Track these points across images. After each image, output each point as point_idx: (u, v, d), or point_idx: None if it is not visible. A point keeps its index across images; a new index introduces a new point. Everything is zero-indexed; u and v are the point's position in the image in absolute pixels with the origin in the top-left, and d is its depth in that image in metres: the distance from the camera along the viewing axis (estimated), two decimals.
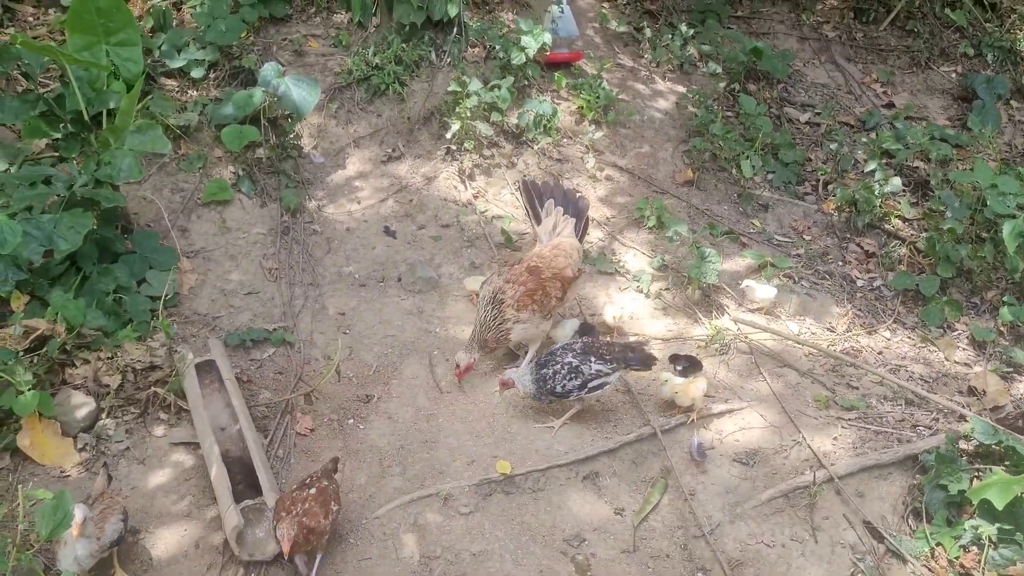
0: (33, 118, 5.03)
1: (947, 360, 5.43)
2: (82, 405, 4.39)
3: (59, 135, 5.17)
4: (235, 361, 4.89)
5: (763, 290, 5.50)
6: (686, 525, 4.23)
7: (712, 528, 4.21)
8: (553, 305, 4.89)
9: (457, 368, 4.81)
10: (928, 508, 4.32)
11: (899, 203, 6.40)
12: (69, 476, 4.17)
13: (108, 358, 4.65)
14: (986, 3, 8.40)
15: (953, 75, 8.02)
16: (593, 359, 4.53)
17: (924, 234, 6.14)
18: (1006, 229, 5.36)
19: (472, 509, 4.15)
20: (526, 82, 6.70)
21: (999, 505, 3.98)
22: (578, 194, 5.47)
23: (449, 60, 6.70)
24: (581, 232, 5.27)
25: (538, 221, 5.27)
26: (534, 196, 5.32)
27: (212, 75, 6.33)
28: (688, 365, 4.83)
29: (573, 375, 4.47)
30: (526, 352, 5.01)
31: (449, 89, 6.33)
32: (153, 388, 4.52)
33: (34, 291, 4.80)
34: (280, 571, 3.83)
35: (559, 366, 4.50)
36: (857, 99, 7.70)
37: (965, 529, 4.13)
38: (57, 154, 5.41)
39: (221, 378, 4.54)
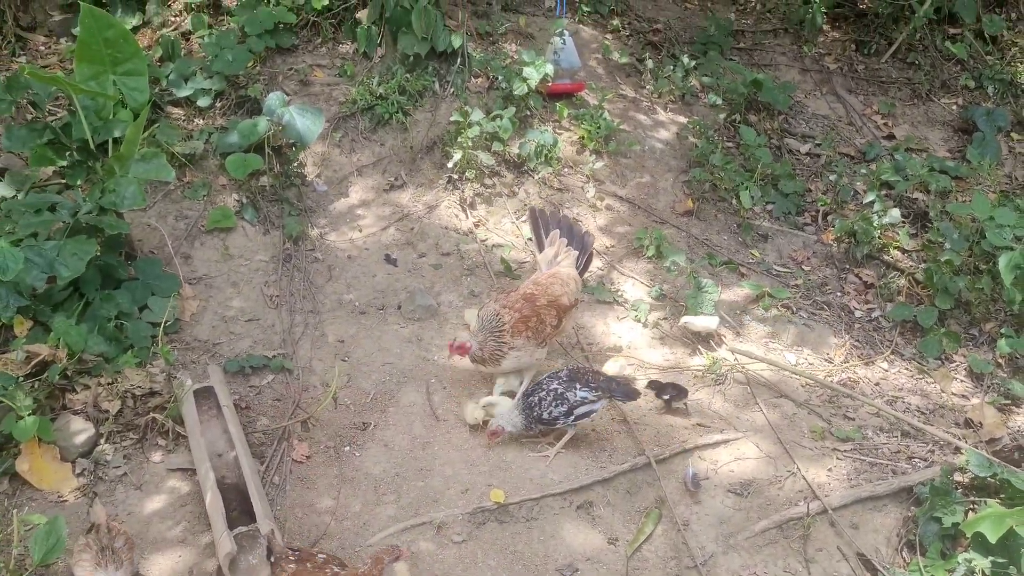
0: (40, 146, 5.11)
1: (944, 392, 5.43)
2: (81, 431, 4.43)
3: (65, 163, 5.25)
4: (234, 387, 4.93)
5: (703, 321, 5.46)
6: (679, 556, 4.23)
7: (705, 559, 4.21)
8: (548, 333, 4.91)
9: (458, 344, 4.79)
10: (922, 540, 4.31)
11: (898, 234, 6.43)
12: (66, 501, 4.20)
13: (108, 384, 4.69)
14: (987, 36, 8.45)
15: (954, 107, 8.06)
16: (578, 386, 4.55)
17: (923, 265, 6.15)
18: (1002, 261, 5.38)
19: (465, 538, 4.17)
20: (528, 112, 6.77)
21: (992, 538, 3.97)
22: (585, 231, 5.48)
23: (452, 90, 6.78)
24: (583, 266, 5.28)
25: (540, 249, 5.31)
26: (540, 225, 5.36)
27: (218, 104, 6.43)
28: (675, 394, 4.84)
29: (559, 402, 4.51)
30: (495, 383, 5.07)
31: (452, 119, 6.40)
32: (152, 414, 4.56)
33: (36, 317, 4.86)
34: None
35: (544, 393, 4.54)
36: (858, 130, 7.74)
37: (959, 562, 4.12)
38: (63, 182, 5.49)
39: (219, 404, 4.57)
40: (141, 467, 4.41)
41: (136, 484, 4.32)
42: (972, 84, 8.17)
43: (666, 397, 4.84)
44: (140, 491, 4.29)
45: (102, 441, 4.48)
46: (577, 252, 5.25)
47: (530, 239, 5.46)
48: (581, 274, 5.24)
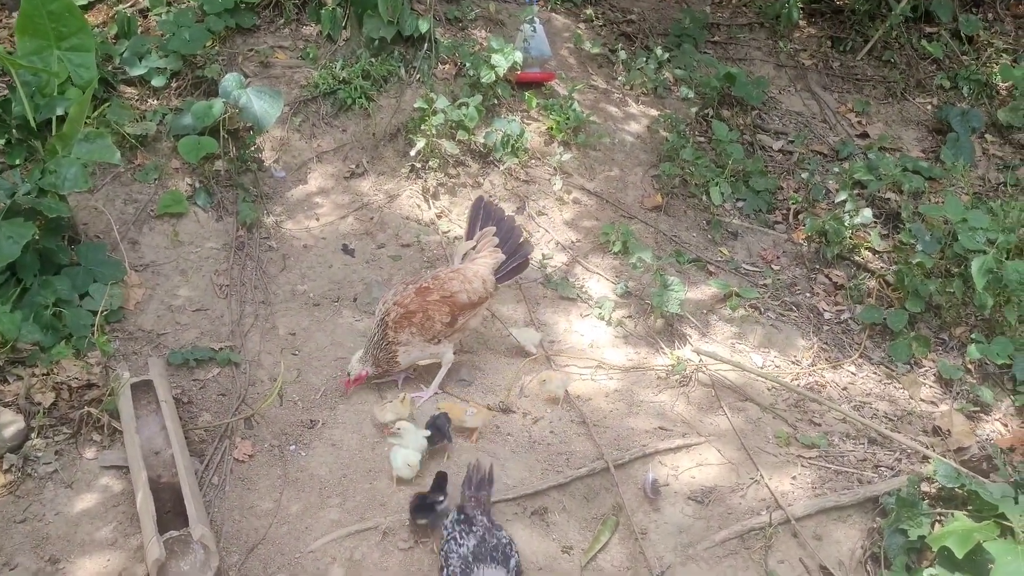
0: None
1: (912, 398, 5.30)
2: (10, 424, 4.19)
3: (3, 141, 5.00)
4: (177, 381, 4.71)
5: (525, 335, 5.14)
6: (636, 566, 4.06)
7: (663, 570, 4.03)
8: (439, 330, 4.71)
9: (347, 378, 4.65)
10: (887, 553, 4.16)
11: (869, 235, 6.29)
12: None
13: (43, 375, 4.47)
14: (963, 36, 8.34)
15: (929, 107, 7.94)
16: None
17: (893, 267, 6.02)
18: (974, 266, 5.24)
19: (412, 544, 3.97)
20: (496, 101, 6.57)
21: (959, 553, 3.83)
22: (523, 239, 5.22)
23: (418, 76, 6.57)
24: (508, 273, 5.05)
25: (469, 238, 5.14)
26: (479, 216, 5.17)
27: (174, 84, 6.20)
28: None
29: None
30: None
31: (416, 106, 6.19)
32: (87, 408, 4.33)
33: None
34: None
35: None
36: (832, 128, 7.61)
37: None
38: (4, 161, 5.24)
39: (159, 399, 4.35)
40: (73, 464, 4.18)
41: (67, 482, 4.09)
42: (947, 84, 8.05)
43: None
44: (71, 489, 4.06)
45: (33, 436, 4.24)
46: (504, 257, 5.02)
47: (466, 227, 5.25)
48: (503, 280, 5.02)
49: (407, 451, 4.21)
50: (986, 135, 7.68)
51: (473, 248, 5.04)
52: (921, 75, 8.22)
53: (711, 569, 4.08)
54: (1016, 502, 3.97)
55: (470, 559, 3.60)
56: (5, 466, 4.11)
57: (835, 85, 8.12)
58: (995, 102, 7.90)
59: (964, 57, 8.29)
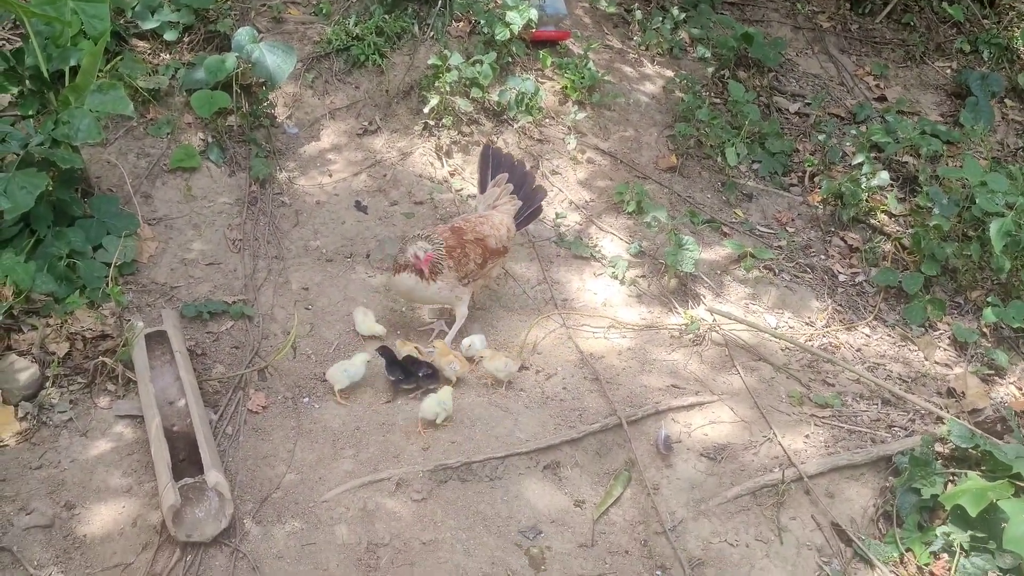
0: None
1: (927, 360, 5.28)
2: (25, 372, 4.19)
3: (15, 90, 4.97)
4: (191, 333, 4.71)
5: (479, 341, 4.86)
6: (647, 521, 4.06)
7: (674, 525, 4.05)
8: (471, 269, 4.76)
9: (416, 258, 4.62)
10: (899, 512, 4.16)
11: (886, 198, 6.24)
12: (7, 446, 3.98)
13: (58, 325, 4.46)
14: None
15: (948, 71, 7.84)
16: None
17: (910, 230, 5.97)
18: (993, 228, 5.20)
19: (425, 496, 3.98)
20: (510, 59, 6.51)
21: (973, 512, 3.83)
22: (537, 184, 5.30)
23: (432, 34, 6.51)
24: (525, 219, 5.12)
25: (482, 190, 5.14)
26: (490, 164, 5.17)
27: (186, 39, 6.14)
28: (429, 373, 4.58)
29: None
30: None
31: (430, 63, 6.14)
32: (102, 358, 4.33)
33: None
34: (219, 552, 3.65)
35: None
36: (849, 91, 7.53)
37: (936, 535, 3.98)
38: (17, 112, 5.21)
39: (172, 350, 4.35)
40: (88, 412, 4.19)
41: (81, 430, 4.10)
42: (967, 48, 7.95)
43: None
44: (85, 437, 4.07)
45: (48, 384, 4.25)
46: (521, 204, 5.08)
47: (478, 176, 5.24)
48: (520, 227, 5.10)
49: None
50: (1006, 100, 7.60)
51: (494, 201, 5.06)
52: (941, 38, 8.12)
53: (723, 524, 4.08)
54: None
55: None
56: (21, 414, 4.12)
57: (853, 48, 8.02)
58: (1016, 66, 7.81)
59: (985, 21, 8.18)
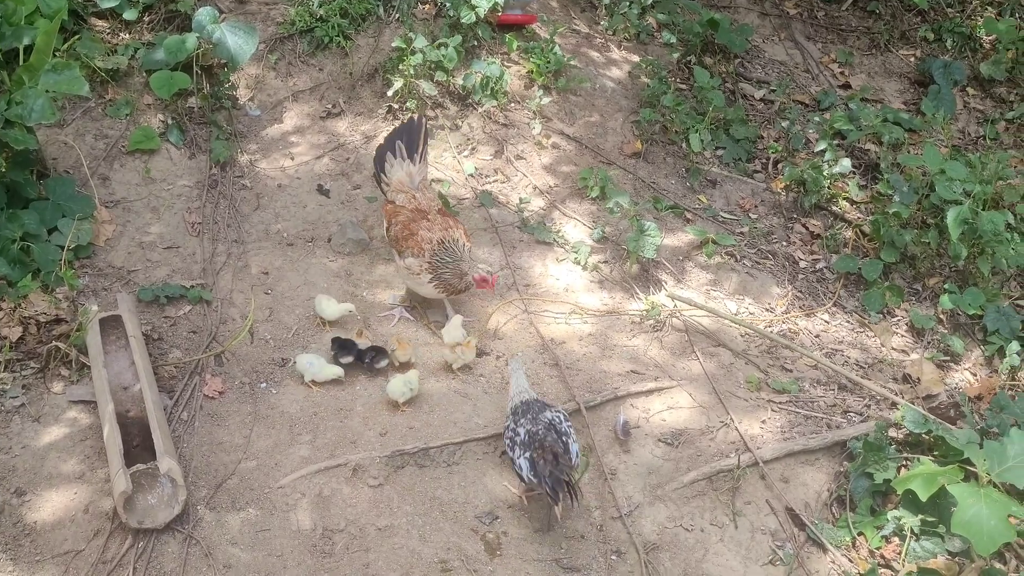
0: None
1: (883, 347, 5.32)
2: None
3: None
4: (148, 318, 4.66)
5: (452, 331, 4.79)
6: (604, 506, 4.08)
7: (631, 510, 4.07)
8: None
9: (485, 281, 4.68)
10: (853, 496, 4.21)
11: (847, 185, 6.28)
12: None
13: (11, 309, 4.40)
14: None
15: (912, 59, 7.89)
16: None
17: (871, 217, 6.01)
18: (950, 216, 5.24)
19: (381, 481, 3.97)
20: (476, 42, 6.48)
21: (923, 496, 3.88)
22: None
23: (397, 16, 6.46)
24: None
25: (417, 160, 5.15)
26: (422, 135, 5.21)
27: (146, 18, 6.06)
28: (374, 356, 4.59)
29: None
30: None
31: (394, 45, 6.09)
32: (55, 342, 4.28)
33: None
34: (171, 539, 3.63)
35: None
36: (814, 78, 7.55)
37: (888, 519, 4.03)
38: None
39: (128, 334, 4.30)
40: (41, 398, 4.15)
41: (34, 416, 4.06)
42: (931, 36, 8.00)
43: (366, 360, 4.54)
44: (38, 423, 4.03)
45: (1, 369, 4.20)
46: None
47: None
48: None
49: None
50: (968, 88, 7.66)
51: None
52: (906, 27, 8.16)
53: (678, 509, 4.11)
54: (981, 447, 4.00)
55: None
56: None
57: (819, 35, 8.05)
58: (978, 55, 7.87)
59: (949, 9, 8.23)
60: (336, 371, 4.43)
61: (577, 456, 3.86)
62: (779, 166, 6.56)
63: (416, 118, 5.26)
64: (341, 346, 4.54)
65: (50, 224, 4.86)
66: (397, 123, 5.37)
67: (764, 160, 6.69)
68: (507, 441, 3.93)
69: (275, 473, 3.96)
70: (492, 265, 5.05)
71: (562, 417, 3.98)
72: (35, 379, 4.23)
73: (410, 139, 5.13)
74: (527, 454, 3.79)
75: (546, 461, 3.74)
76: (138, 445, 3.84)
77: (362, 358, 4.51)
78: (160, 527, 3.62)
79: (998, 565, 3.94)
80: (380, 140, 5.97)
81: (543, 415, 3.93)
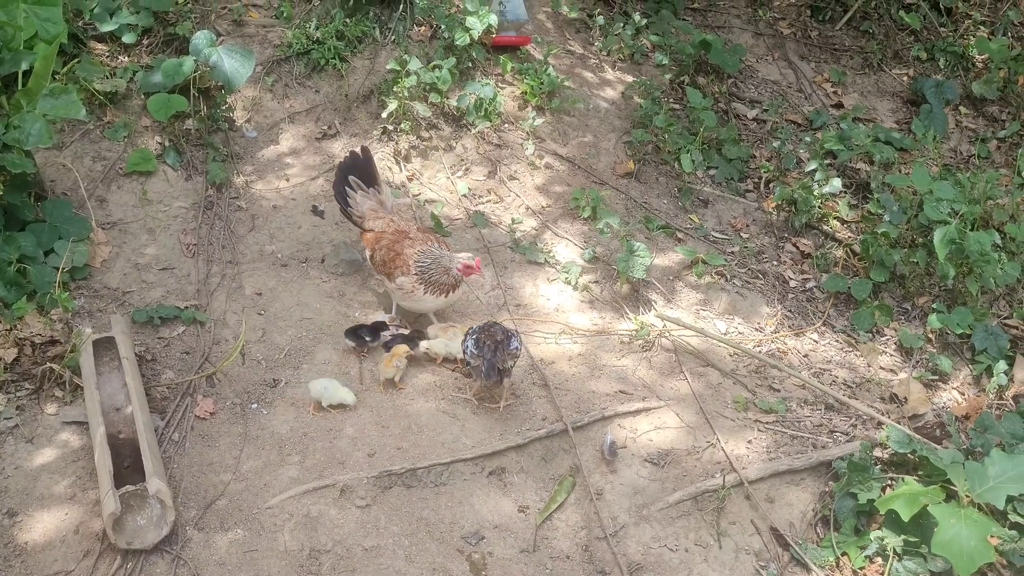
0: None
1: (869, 366, 5.36)
2: None
3: None
4: (142, 339, 4.73)
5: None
6: (590, 526, 4.12)
7: (616, 530, 4.10)
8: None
9: (469, 268, 4.76)
10: (837, 516, 4.24)
11: (838, 204, 6.33)
12: None
13: (6, 330, 4.47)
14: (941, 7, 8.34)
15: (905, 78, 7.95)
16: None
17: (861, 237, 6.06)
18: (937, 236, 5.29)
19: (369, 502, 4.02)
20: (470, 64, 6.56)
21: (905, 516, 3.91)
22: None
23: (393, 38, 6.54)
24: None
25: (381, 191, 5.24)
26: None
27: (145, 42, 6.15)
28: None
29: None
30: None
31: (389, 67, 6.17)
32: (49, 364, 4.35)
33: None
34: (159, 559, 3.68)
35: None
36: (807, 98, 7.62)
37: (871, 539, 4.06)
38: None
39: (120, 356, 4.36)
40: (35, 419, 4.21)
41: (27, 437, 4.12)
42: (924, 55, 8.05)
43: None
44: (31, 444, 4.09)
45: None
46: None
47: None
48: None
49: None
50: (960, 107, 7.71)
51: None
52: (899, 46, 8.22)
53: (663, 529, 4.15)
54: (964, 467, 4.03)
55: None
56: None
57: (813, 55, 8.12)
58: (971, 74, 7.92)
59: (942, 29, 8.30)
60: (348, 396, 4.47)
61: (517, 348, 4.47)
62: (771, 186, 6.61)
63: (360, 150, 5.30)
64: (372, 329, 4.80)
65: (47, 246, 4.93)
66: (347, 154, 5.38)
67: (756, 180, 6.74)
68: (464, 348, 4.49)
69: (264, 494, 4.01)
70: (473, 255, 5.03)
71: (513, 331, 4.57)
72: (29, 400, 4.29)
73: (362, 172, 5.18)
74: (474, 336, 4.46)
75: (488, 346, 4.37)
76: (129, 466, 3.89)
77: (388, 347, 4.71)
78: (149, 548, 3.67)
79: None
80: (376, 161, 6.07)
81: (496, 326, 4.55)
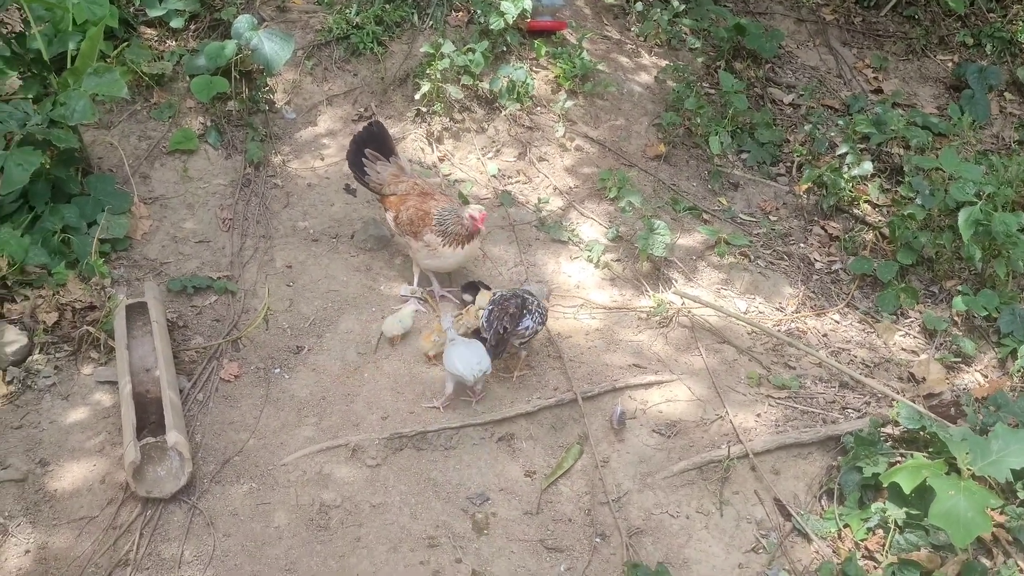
0: None
1: (885, 344, 5.34)
2: (14, 340, 4.47)
3: (15, 73, 5.24)
4: (176, 307, 4.95)
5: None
6: (594, 492, 4.21)
7: (619, 496, 4.19)
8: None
9: (474, 219, 4.90)
10: (842, 489, 4.26)
11: (868, 187, 6.29)
12: None
13: (49, 296, 4.72)
14: None
15: (949, 64, 7.84)
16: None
17: (889, 219, 6.02)
18: (961, 216, 5.25)
19: (379, 462, 4.17)
20: (505, 48, 6.67)
21: (907, 489, 3.92)
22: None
23: (431, 23, 6.70)
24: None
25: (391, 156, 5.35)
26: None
27: (192, 26, 6.39)
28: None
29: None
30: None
31: (423, 50, 6.32)
32: (87, 327, 4.58)
33: None
34: (177, 508, 3.89)
35: None
36: (847, 83, 7.57)
37: (873, 512, 4.07)
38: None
39: (151, 320, 4.58)
40: (71, 378, 4.45)
41: (63, 395, 4.36)
42: (970, 41, 7.93)
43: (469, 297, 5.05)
44: (66, 401, 4.33)
45: (36, 351, 4.52)
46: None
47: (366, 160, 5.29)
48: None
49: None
50: (1005, 93, 7.58)
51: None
52: (944, 31, 8.12)
53: (666, 497, 4.22)
54: (967, 441, 4.03)
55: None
56: (8, 378, 4.39)
57: (855, 41, 8.05)
58: (1017, 60, 7.78)
59: (990, 14, 8.15)
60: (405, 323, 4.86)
61: (529, 328, 4.57)
62: (802, 169, 6.60)
63: (376, 123, 5.42)
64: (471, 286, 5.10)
65: (90, 218, 5.19)
66: (360, 127, 5.47)
67: (789, 164, 6.74)
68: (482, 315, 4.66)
69: (280, 452, 4.19)
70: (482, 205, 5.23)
71: (536, 301, 4.67)
72: (67, 361, 4.54)
73: (378, 145, 5.28)
74: (490, 307, 4.60)
75: (500, 319, 4.50)
76: (154, 422, 4.10)
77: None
78: (167, 497, 3.88)
79: (984, 560, 3.96)
80: (407, 142, 6.23)
81: (520, 293, 4.69)
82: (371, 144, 5.27)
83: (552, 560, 3.92)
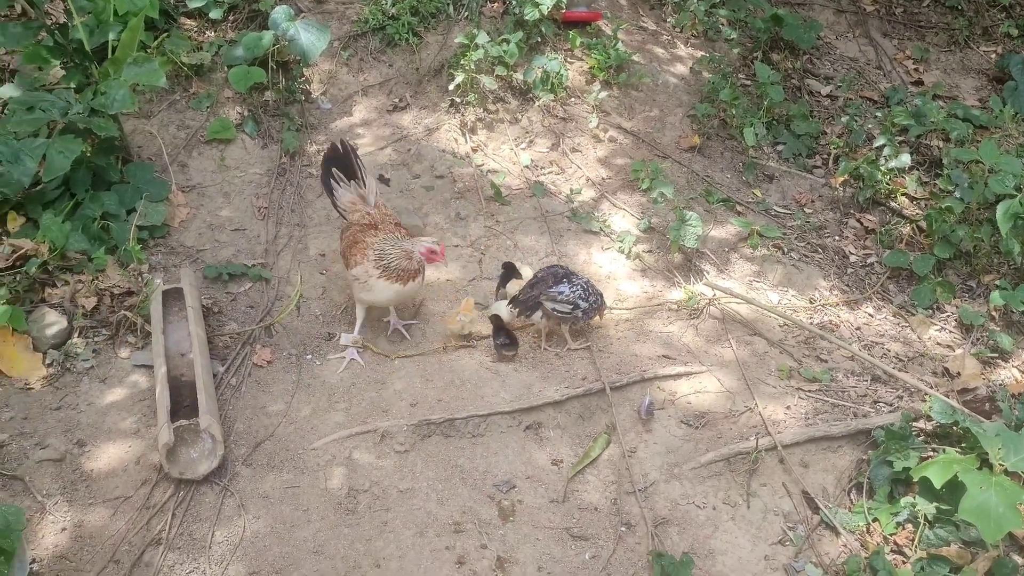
0: (33, 45, 5.20)
1: (919, 338, 5.28)
2: (54, 323, 4.57)
3: (58, 63, 5.35)
4: (211, 293, 5.02)
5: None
6: (620, 481, 4.22)
7: (646, 486, 4.20)
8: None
9: (432, 252, 4.54)
10: (872, 483, 4.23)
11: (907, 180, 6.21)
12: (32, 388, 4.35)
13: (89, 281, 4.82)
14: None
15: (993, 55, 7.71)
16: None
17: (926, 212, 5.95)
18: (1000, 209, 5.17)
19: (408, 448, 4.22)
20: (539, 39, 6.67)
21: (937, 484, 3.89)
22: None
23: (466, 14, 6.72)
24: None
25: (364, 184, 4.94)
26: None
27: (231, 17, 6.47)
28: (507, 342, 4.84)
29: None
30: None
31: (458, 41, 6.34)
32: (124, 312, 4.68)
33: (28, 213, 5.02)
34: (209, 490, 3.96)
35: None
36: (886, 75, 7.47)
37: (903, 506, 4.04)
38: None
39: (186, 305, 4.66)
40: (109, 361, 4.54)
41: (101, 377, 4.45)
42: (1015, 32, 7.79)
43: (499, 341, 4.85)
44: (104, 384, 4.42)
45: (75, 335, 4.62)
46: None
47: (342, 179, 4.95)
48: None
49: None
50: None
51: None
52: (988, 22, 7.98)
53: (693, 488, 4.22)
54: (1000, 436, 3.97)
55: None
56: (48, 361, 4.50)
57: (896, 32, 7.95)
58: None
59: None
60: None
61: (562, 293, 4.75)
62: (839, 161, 6.53)
63: (340, 144, 4.93)
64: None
65: (129, 205, 5.28)
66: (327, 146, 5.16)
67: (825, 156, 6.67)
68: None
69: (310, 436, 4.25)
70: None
71: (587, 281, 4.88)
72: (105, 345, 4.63)
73: (342, 165, 4.89)
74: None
75: (532, 282, 4.86)
76: (188, 405, 4.17)
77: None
78: (199, 478, 3.95)
79: (1015, 556, 3.92)
80: (441, 133, 6.27)
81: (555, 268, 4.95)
82: (336, 164, 4.91)
83: (577, 548, 3.94)
